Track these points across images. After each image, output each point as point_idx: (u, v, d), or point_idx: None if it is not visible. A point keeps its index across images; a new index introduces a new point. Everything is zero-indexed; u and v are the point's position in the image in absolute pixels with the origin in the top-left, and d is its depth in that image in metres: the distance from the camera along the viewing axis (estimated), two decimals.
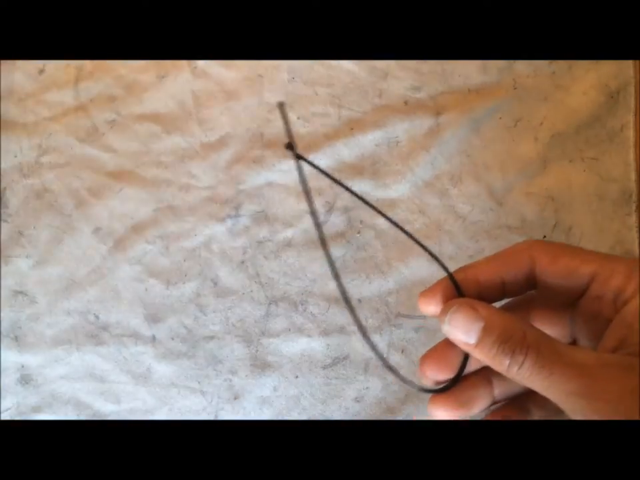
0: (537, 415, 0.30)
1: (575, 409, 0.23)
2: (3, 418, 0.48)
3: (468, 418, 0.30)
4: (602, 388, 0.22)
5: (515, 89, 0.49)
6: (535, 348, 0.24)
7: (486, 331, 0.25)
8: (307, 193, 0.44)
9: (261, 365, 0.48)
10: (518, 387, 0.30)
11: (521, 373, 0.24)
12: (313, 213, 0.43)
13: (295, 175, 0.49)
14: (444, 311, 0.26)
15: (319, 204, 0.49)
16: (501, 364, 0.24)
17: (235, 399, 0.48)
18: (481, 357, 0.25)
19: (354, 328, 0.48)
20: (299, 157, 0.37)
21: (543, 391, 0.24)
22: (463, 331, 0.25)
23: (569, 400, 0.23)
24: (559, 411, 0.25)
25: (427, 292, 0.28)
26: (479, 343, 0.25)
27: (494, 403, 0.31)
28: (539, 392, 0.24)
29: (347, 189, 0.34)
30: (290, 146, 0.35)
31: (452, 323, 0.25)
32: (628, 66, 0.49)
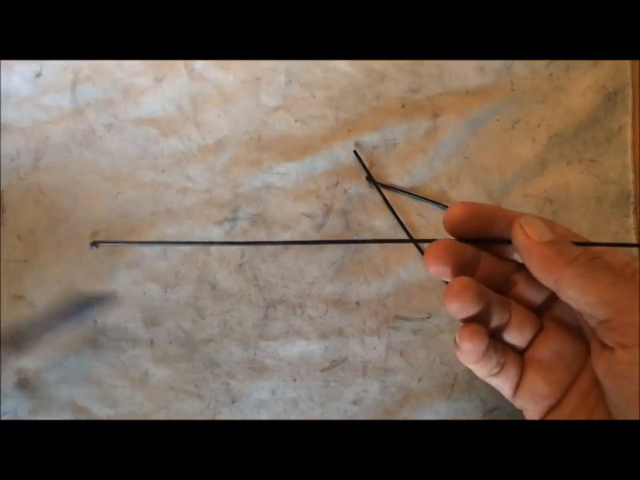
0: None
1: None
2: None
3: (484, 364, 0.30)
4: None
5: (513, 90, 0.49)
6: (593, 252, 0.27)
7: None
8: (394, 212, 0.46)
9: (259, 368, 0.48)
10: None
11: (577, 267, 0.26)
12: (403, 226, 0.45)
13: (292, 177, 0.49)
14: (517, 220, 0.28)
15: (316, 206, 0.49)
16: (566, 256, 0.26)
17: (233, 402, 0.48)
18: (545, 253, 0.27)
19: (352, 330, 0.48)
20: (377, 185, 0.48)
21: (581, 290, 0.26)
22: (538, 230, 0.27)
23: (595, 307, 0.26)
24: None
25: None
26: (553, 241, 0.27)
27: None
28: (574, 293, 0.26)
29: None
30: (370, 178, 0.48)
31: (528, 223, 0.28)
32: (625, 67, 0.49)
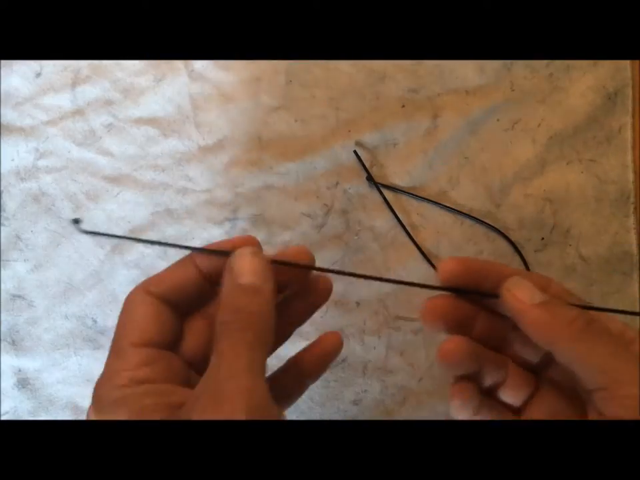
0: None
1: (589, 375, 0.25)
2: None
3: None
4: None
5: (513, 90, 0.49)
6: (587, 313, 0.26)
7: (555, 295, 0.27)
8: (394, 212, 0.47)
9: None
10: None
11: (574, 332, 0.25)
12: (403, 226, 0.44)
13: (292, 177, 0.49)
14: (505, 284, 0.27)
15: (316, 206, 0.49)
16: (561, 319, 0.25)
17: None
18: (538, 316, 0.26)
19: (352, 330, 0.48)
20: (377, 185, 0.48)
21: (582, 353, 0.25)
22: (529, 294, 0.26)
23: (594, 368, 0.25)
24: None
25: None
26: (545, 302, 0.26)
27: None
28: (570, 358, 0.25)
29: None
30: (370, 178, 0.49)
31: (516, 286, 0.27)
32: (625, 67, 0.49)
